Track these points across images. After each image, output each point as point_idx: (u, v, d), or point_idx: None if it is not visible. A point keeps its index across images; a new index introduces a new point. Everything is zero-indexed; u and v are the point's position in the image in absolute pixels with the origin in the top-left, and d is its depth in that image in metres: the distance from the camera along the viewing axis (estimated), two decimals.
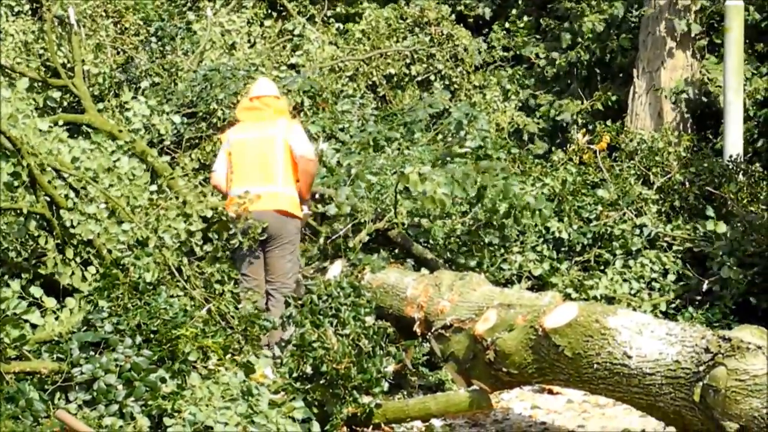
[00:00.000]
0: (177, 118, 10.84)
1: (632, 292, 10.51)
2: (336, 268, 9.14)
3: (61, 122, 9.48)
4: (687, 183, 11.84)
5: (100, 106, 11.19)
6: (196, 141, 10.96)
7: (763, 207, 11.00)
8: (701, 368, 5.60)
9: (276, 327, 7.65)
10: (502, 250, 10.50)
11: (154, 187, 9.08)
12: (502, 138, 13.79)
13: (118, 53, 13.64)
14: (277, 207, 8.69)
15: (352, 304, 7.44)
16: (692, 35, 14.45)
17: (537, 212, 10.18)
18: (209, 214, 8.59)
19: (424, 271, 9.19)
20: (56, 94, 11.39)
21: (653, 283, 10.71)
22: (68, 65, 12.07)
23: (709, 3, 14.48)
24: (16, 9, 12.65)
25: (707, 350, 5.60)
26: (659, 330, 6.08)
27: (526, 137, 15.53)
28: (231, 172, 9.00)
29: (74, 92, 11.25)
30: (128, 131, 10.29)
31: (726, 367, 5.43)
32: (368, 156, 10.95)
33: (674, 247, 11.00)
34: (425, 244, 10.01)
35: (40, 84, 11.65)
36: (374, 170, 10.31)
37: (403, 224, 9.89)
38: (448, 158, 11.18)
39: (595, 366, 6.18)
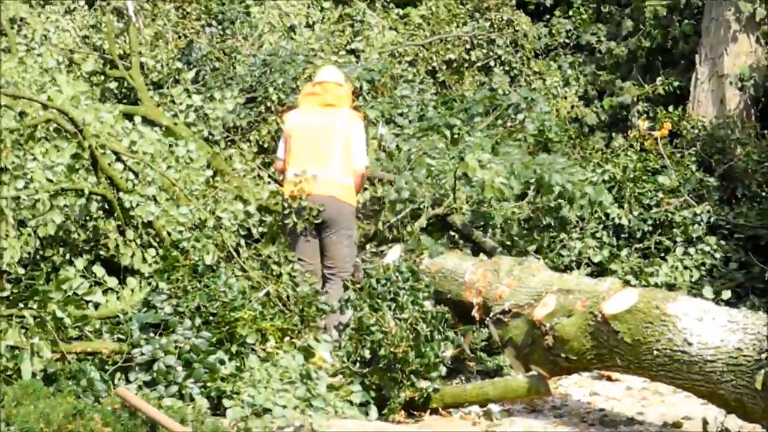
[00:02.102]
0: (230, 105, 10.86)
1: (693, 279, 10.42)
2: (394, 253, 9.11)
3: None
4: (749, 170, 11.70)
5: (159, 94, 11.23)
6: (255, 125, 10.96)
7: None
8: (763, 356, 5.56)
9: (334, 310, 7.67)
10: (562, 236, 10.45)
11: (210, 172, 9.15)
12: (562, 123, 13.68)
13: (179, 38, 13.67)
14: (332, 193, 8.68)
15: (410, 289, 7.43)
16: (757, 20, 14.23)
17: (596, 203, 10.13)
18: (265, 195, 8.61)
19: (482, 256, 9.16)
20: (113, 85, 11.49)
21: (715, 271, 10.61)
22: (126, 56, 12.14)
23: None
24: (72, 6, 12.71)
25: None
26: (720, 317, 6.03)
27: (585, 128, 15.42)
28: (289, 155, 8.99)
29: (131, 83, 11.31)
30: (183, 123, 10.36)
31: None
32: (427, 141, 10.91)
33: (736, 235, 10.88)
34: (484, 230, 9.97)
35: (98, 75, 11.74)
36: (433, 155, 10.27)
37: (461, 209, 9.85)
38: (508, 144, 11.09)
39: (655, 352, 6.14)
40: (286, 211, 8.53)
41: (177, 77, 11.96)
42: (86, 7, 12.84)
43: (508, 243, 9.98)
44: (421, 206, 9.61)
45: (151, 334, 6.64)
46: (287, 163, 8.95)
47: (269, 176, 10.14)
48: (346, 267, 8.69)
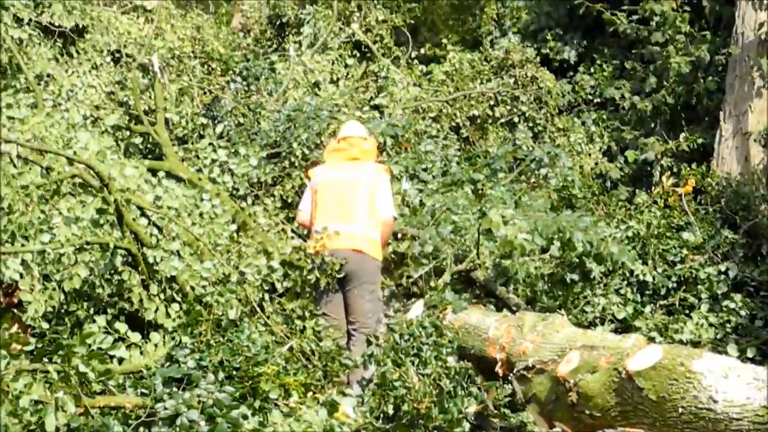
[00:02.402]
0: (254, 161, 10.91)
1: (718, 336, 10.35)
2: (418, 308, 9.11)
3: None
4: None
5: (184, 149, 11.29)
6: (279, 180, 11.01)
7: None
8: None
9: (357, 365, 7.66)
10: (585, 292, 10.42)
11: (234, 226, 9.18)
12: (586, 180, 13.70)
13: (204, 93, 13.79)
14: (356, 246, 8.69)
15: (433, 344, 7.41)
16: None
17: (619, 263, 10.14)
18: (289, 250, 8.63)
19: (505, 312, 9.14)
20: (138, 140, 11.58)
21: (740, 329, 10.54)
22: (151, 112, 12.26)
23: None
24: (99, 62, 12.84)
25: None
26: (746, 374, 5.97)
27: (609, 183, 15.43)
28: (315, 210, 9.04)
29: (156, 139, 11.39)
30: (207, 178, 10.42)
31: None
32: (451, 197, 10.93)
33: (761, 293, 10.82)
34: (507, 285, 9.95)
35: (123, 130, 11.84)
36: (457, 211, 10.29)
37: (484, 265, 9.84)
38: (531, 199, 11.11)
39: (680, 410, 6.08)
40: (309, 267, 8.56)
41: (202, 132, 12.04)
42: (112, 63, 12.96)
43: (532, 299, 9.96)
44: (445, 261, 9.61)
45: (174, 389, 6.62)
46: (313, 218, 8.99)
47: (293, 231, 10.17)
48: (369, 322, 8.67)
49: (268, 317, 8.13)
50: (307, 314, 8.40)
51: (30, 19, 12.23)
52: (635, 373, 6.35)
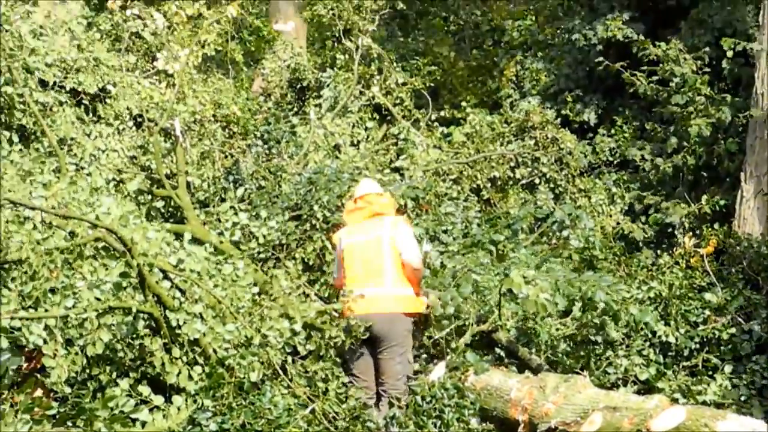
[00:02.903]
0: (274, 223, 10.94)
1: (743, 398, 10.27)
2: (440, 369, 9.10)
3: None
4: None
5: (205, 212, 11.34)
6: (300, 242, 11.04)
7: None
8: None
9: (380, 428, 7.64)
10: (608, 354, 10.38)
11: (256, 289, 9.21)
12: (607, 241, 13.68)
13: (226, 157, 13.88)
14: (386, 309, 8.75)
15: (455, 406, 7.42)
16: None
17: (641, 323, 10.13)
18: (312, 313, 8.64)
19: (527, 373, 9.11)
20: (160, 204, 11.64)
21: (765, 391, 10.46)
22: (173, 176, 12.34)
23: None
24: (121, 126, 12.96)
25: None
26: None
27: (632, 246, 15.41)
28: (344, 277, 9.11)
29: (177, 202, 11.45)
30: (229, 241, 10.46)
31: None
32: (472, 258, 10.94)
33: None
34: (529, 347, 9.93)
35: (145, 194, 11.91)
36: (478, 272, 10.29)
37: (506, 326, 9.83)
38: (553, 260, 11.11)
39: None
40: (335, 329, 8.60)
41: (223, 196, 12.09)
42: (134, 128, 13.06)
43: (554, 360, 9.93)
44: (466, 322, 9.60)
45: None
46: (343, 284, 9.05)
47: (315, 294, 10.19)
48: (399, 384, 8.67)
49: (290, 380, 8.13)
50: (330, 376, 8.40)
51: (54, 83, 12.37)
52: None
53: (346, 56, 16.77)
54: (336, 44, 17.69)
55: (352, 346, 8.70)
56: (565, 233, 11.78)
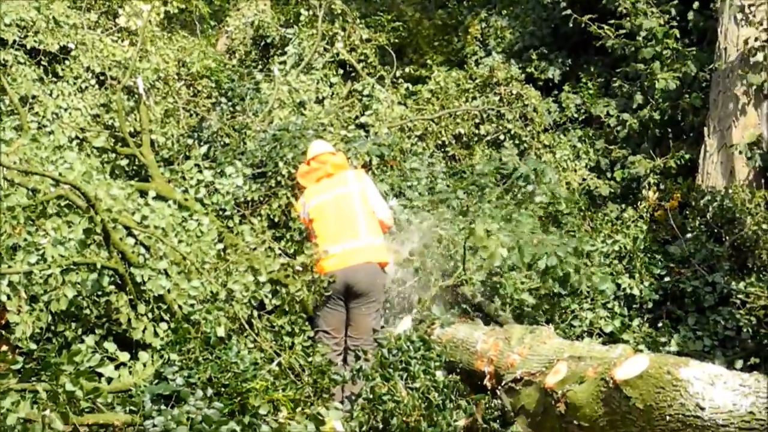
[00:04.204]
0: (240, 181, 10.91)
1: (705, 349, 10.37)
2: (406, 323, 9.15)
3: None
4: (760, 240, 11.68)
5: (170, 170, 11.28)
6: (265, 199, 11.03)
7: None
8: None
9: (346, 380, 7.67)
10: (573, 307, 10.44)
11: (221, 245, 9.20)
12: (573, 195, 13.73)
13: (191, 116, 13.81)
14: (366, 259, 8.81)
15: (422, 358, 7.45)
16: (765, 92, 14.26)
17: (598, 291, 10.23)
18: (276, 267, 8.65)
19: (493, 325, 9.17)
20: (124, 162, 11.57)
21: (727, 341, 10.56)
22: (137, 134, 12.26)
23: None
24: (84, 85, 12.84)
25: None
26: (732, 381, 6.00)
27: (598, 201, 15.45)
28: (315, 237, 9.12)
29: (141, 160, 11.39)
30: (194, 198, 10.42)
31: None
32: (437, 213, 10.97)
33: (748, 305, 10.82)
34: (494, 300, 9.97)
35: (108, 152, 11.83)
36: (443, 227, 10.33)
37: (472, 280, 9.87)
38: (518, 215, 11.14)
39: (668, 418, 6.10)
40: (303, 285, 8.63)
41: (187, 153, 12.04)
42: (97, 86, 12.96)
43: (519, 314, 9.99)
44: (432, 277, 9.64)
45: (163, 406, 6.63)
46: (318, 242, 9.06)
47: (280, 249, 10.20)
48: (370, 339, 8.73)
49: (257, 334, 8.14)
50: (296, 330, 8.42)
51: (14, 41, 12.26)
52: (622, 383, 6.37)
53: (310, 13, 16.68)
54: (300, 1, 17.59)
55: (327, 302, 8.74)
56: (530, 188, 11.83)
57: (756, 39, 14.18)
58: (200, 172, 10.86)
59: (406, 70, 17.88)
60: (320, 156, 9.47)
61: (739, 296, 10.95)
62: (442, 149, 15.29)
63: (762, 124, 14.35)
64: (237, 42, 17.85)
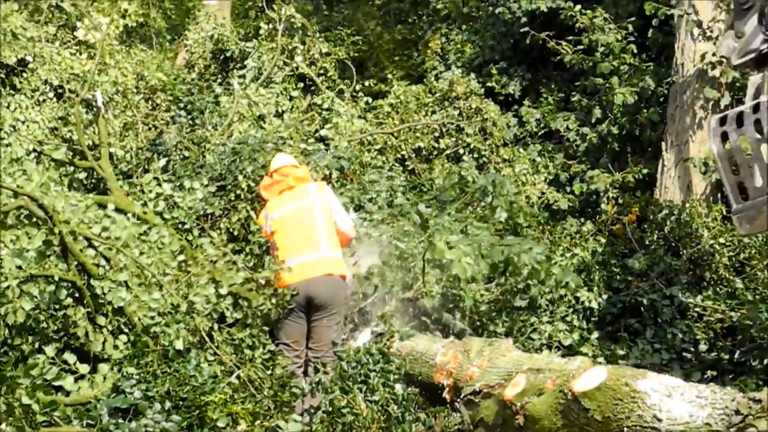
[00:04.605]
0: (200, 194, 10.88)
1: (663, 362, 10.42)
2: (365, 335, 9.16)
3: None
4: (716, 253, 11.76)
5: (129, 183, 11.22)
6: (225, 212, 10.99)
7: None
8: (732, 430, 5.55)
9: (305, 393, 7.65)
10: (532, 320, 10.48)
11: (182, 257, 9.16)
12: (532, 210, 13.77)
13: (150, 129, 13.77)
14: (327, 271, 8.81)
15: (381, 371, 7.43)
16: (721, 107, 14.36)
17: (563, 284, 10.23)
18: (239, 281, 8.63)
19: (453, 338, 9.18)
20: (82, 176, 11.51)
21: (684, 354, 10.62)
22: (95, 147, 12.19)
23: (739, 75, 14.44)
24: (42, 98, 12.78)
25: (738, 412, 5.55)
26: (689, 393, 6.03)
27: (558, 214, 15.52)
28: (276, 250, 9.10)
29: (100, 173, 11.33)
30: (153, 211, 10.39)
31: (757, 428, 5.39)
32: (397, 226, 10.98)
33: (705, 318, 10.89)
34: (454, 313, 10.00)
35: (67, 165, 11.76)
36: (403, 240, 10.34)
37: (431, 293, 9.88)
38: (476, 227, 11.17)
39: (625, 429, 6.12)
40: (266, 299, 8.62)
41: (147, 167, 11.99)
42: (55, 99, 12.90)
43: (479, 326, 10.01)
44: (392, 290, 9.65)
45: (121, 420, 6.59)
46: (280, 255, 9.04)
47: (242, 263, 10.17)
48: (331, 352, 8.72)
49: (217, 347, 8.11)
50: (257, 343, 8.40)
51: None
52: (581, 394, 6.39)
53: (270, 27, 16.68)
54: (259, 14, 17.60)
55: (287, 315, 8.73)
56: (488, 200, 11.86)
57: (713, 54, 14.30)
58: (159, 185, 10.81)
59: (367, 84, 17.90)
60: (282, 169, 9.46)
61: (697, 309, 11.02)
62: (402, 163, 15.32)
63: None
64: (196, 56, 17.80)
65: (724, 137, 6.57)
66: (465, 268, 9.17)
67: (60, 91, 12.98)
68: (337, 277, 8.91)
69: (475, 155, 15.80)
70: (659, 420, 5.95)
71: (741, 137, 6.48)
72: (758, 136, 6.30)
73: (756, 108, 6.40)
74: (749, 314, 10.36)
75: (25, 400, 6.39)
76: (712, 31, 14.59)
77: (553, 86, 18.07)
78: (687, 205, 13.11)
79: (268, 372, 7.90)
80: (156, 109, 14.37)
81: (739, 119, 6.46)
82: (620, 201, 14.67)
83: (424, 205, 11.68)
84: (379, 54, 22.22)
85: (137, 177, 11.63)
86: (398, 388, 7.40)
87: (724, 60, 7.84)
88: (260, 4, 17.80)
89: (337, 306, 8.84)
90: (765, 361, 10.11)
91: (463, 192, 12.26)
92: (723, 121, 6.60)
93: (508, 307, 10.24)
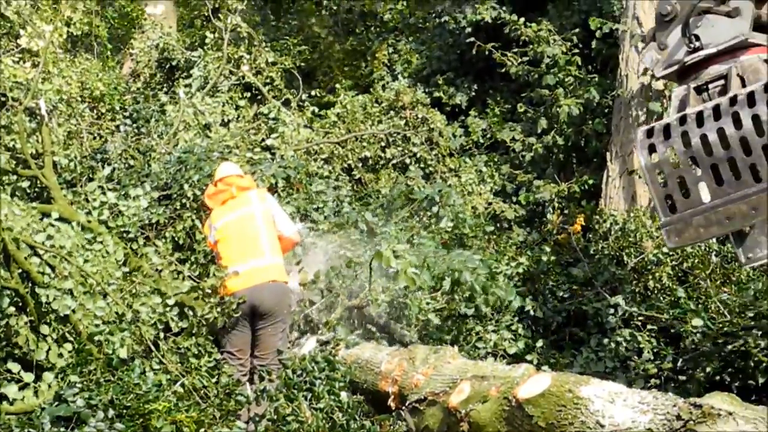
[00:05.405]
0: (144, 203, 10.81)
1: (607, 370, 10.47)
2: (311, 343, 9.16)
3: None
4: (660, 263, 11.84)
5: (73, 192, 11.13)
6: (170, 221, 10.94)
7: (735, 288, 11.03)
8: None
9: (251, 401, 7.63)
10: (477, 329, 10.50)
11: (127, 267, 9.11)
12: (477, 219, 13.81)
13: (94, 138, 13.68)
14: (271, 278, 8.82)
15: (326, 379, 7.44)
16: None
17: (506, 302, 10.31)
18: (184, 289, 8.60)
19: (398, 346, 9.20)
20: (25, 184, 11.41)
21: (628, 362, 10.68)
22: (39, 156, 12.07)
23: None
24: None
25: (679, 417, 5.59)
26: (631, 398, 6.08)
27: (504, 224, 15.58)
28: (220, 259, 9.09)
29: (44, 182, 11.23)
30: (97, 220, 10.31)
31: None
32: (344, 235, 11.00)
33: (648, 326, 10.95)
34: (400, 321, 10.01)
35: (9, 174, 11.64)
36: (350, 248, 10.36)
37: (377, 301, 9.89)
38: (422, 237, 11.20)
39: None
40: (220, 308, 8.60)
41: (91, 176, 11.91)
42: None
43: (425, 334, 10.03)
44: (338, 297, 9.66)
45: (63, 428, 6.54)
46: (224, 264, 9.03)
47: (187, 273, 10.13)
48: (276, 360, 8.71)
49: (162, 355, 8.07)
50: (202, 352, 8.37)
51: None
52: (525, 401, 6.43)
53: (216, 36, 16.64)
54: (205, 24, 17.56)
55: (232, 323, 8.71)
56: (435, 210, 11.90)
57: None
58: (104, 194, 10.74)
59: (314, 93, 17.89)
60: (227, 178, 9.46)
61: (640, 318, 11.08)
62: (349, 172, 15.33)
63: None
64: (142, 64, 17.70)
65: (652, 149, 6.63)
66: (413, 279, 9.20)
67: (2, 99, 12.84)
68: (282, 283, 8.93)
69: (422, 165, 15.85)
70: (602, 426, 5.99)
71: (668, 149, 6.55)
72: (685, 149, 6.37)
73: (683, 120, 6.46)
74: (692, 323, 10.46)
75: None
76: None
77: (499, 97, 18.16)
78: (631, 215, 13.18)
79: (214, 380, 7.87)
80: (101, 118, 14.28)
81: (666, 131, 6.52)
82: (566, 211, 14.75)
83: (371, 215, 11.68)
84: (331, 63, 22.26)
85: (81, 186, 11.54)
86: (343, 395, 7.41)
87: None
88: (206, 14, 17.76)
89: (281, 313, 8.85)
90: (707, 369, 10.21)
91: (410, 201, 12.28)
92: (650, 134, 6.66)
93: (453, 315, 10.26)
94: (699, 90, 7.02)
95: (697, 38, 6.92)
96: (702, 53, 6.93)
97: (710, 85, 6.97)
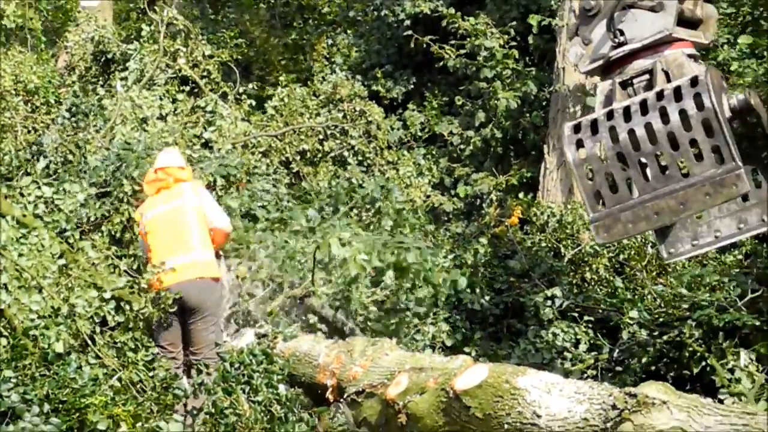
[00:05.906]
0: (81, 197, 10.72)
1: (544, 361, 10.53)
2: (249, 336, 9.14)
3: None
4: (597, 255, 11.92)
5: (7, 186, 11.01)
6: (108, 215, 10.85)
7: (670, 279, 11.13)
8: (609, 425, 5.65)
9: (188, 395, 7.60)
10: (416, 321, 10.52)
11: (63, 260, 9.03)
12: (415, 212, 13.83)
13: (29, 132, 13.54)
14: (199, 275, 8.76)
15: (264, 371, 7.42)
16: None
17: (452, 283, 10.35)
18: (120, 284, 8.54)
19: (337, 338, 9.21)
20: None
21: (565, 353, 10.74)
22: None
23: None
24: None
25: (614, 407, 5.65)
26: (568, 388, 6.13)
27: (442, 217, 15.62)
28: (149, 251, 9.03)
29: None
30: (33, 215, 10.21)
31: (633, 422, 5.49)
32: (286, 228, 10.99)
33: (585, 318, 11.02)
34: (341, 312, 10.02)
35: None
36: (292, 239, 10.35)
37: (318, 292, 9.89)
38: (365, 232, 11.22)
39: (506, 426, 6.20)
40: (144, 301, 8.53)
41: (28, 170, 11.80)
42: None
43: (364, 327, 10.04)
44: (279, 288, 9.66)
45: None
46: (152, 256, 8.97)
47: (124, 268, 10.06)
48: (212, 353, 8.68)
49: (99, 350, 8.02)
50: (139, 346, 8.32)
51: None
52: (462, 392, 6.46)
53: (152, 28, 16.52)
54: (141, 16, 17.44)
55: (162, 318, 8.66)
56: (377, 206, 11.91)
57: None
58: (39, 188, 10.64)
59: (251, 86, 17.81)
60: (168, 168, 9.37)
61: (578, 309, 11.16)
62: (287, 166, 15.29)
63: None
64: (77, 57, 17.51)
65: (579, 144, 6.68)
66: (362, 265, 9.22)
67: None
68: (209, 279, 8.89)
69: (360, 158, 15.84)
70: (539, 416, 6.04)
71: (596, 145, 6.60)
72: (613, 144, 6.43)
73: (610, 115, 6.52)
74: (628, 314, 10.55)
75: None
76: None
77: (437, 90, 18.17)
78: (569, 207, 13.26)
79: (151, 374, 7.83)
80: (35, 111, 14.15)
81: (594, 126, 6.57)
82: (504, 203, 14.81)
83: (313, 211, 11.68)
84: (271, 56, 22.20)
85: (17, 180, 11.43)
86: (281, 388, 7.41)
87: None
88: (142, 6, 17.64)
89: (209, 309, 8.82)
90: (643, 359, 10.30)
91: (351, 198, 12.28)
92: (577, 129, 6.72)
93: (393, 309, 10.28)
94: (624, 85, 7.10)
95: (622, 33, 7.00)
96: (627, 48, 7.00)
97: (635, 80, 7.05)
